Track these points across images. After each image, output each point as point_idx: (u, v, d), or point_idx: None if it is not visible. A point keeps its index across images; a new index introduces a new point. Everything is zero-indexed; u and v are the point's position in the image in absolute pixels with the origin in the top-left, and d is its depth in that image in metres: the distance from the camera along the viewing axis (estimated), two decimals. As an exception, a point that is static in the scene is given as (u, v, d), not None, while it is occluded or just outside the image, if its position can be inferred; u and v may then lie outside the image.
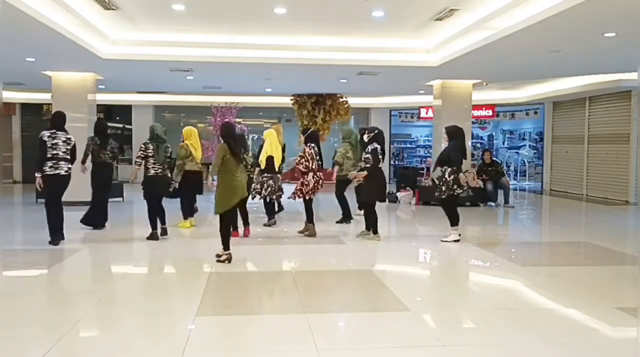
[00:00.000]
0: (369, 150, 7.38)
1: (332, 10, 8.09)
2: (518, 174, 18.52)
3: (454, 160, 7.33)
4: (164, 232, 7.50)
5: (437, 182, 7.64)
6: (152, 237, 7.37)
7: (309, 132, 8.07)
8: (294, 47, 9.94)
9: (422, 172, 15.54)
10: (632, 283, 5.38)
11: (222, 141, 6.21)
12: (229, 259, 6.07)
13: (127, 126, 18.40)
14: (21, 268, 6.16)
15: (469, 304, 4.90)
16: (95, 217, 8.19)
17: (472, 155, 13.64)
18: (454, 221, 7.46)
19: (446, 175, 7.30)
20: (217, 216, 6.18)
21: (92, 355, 3.64)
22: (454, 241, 7.39)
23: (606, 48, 8.50)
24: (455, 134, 7.49)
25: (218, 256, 6.13)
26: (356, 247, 7.29)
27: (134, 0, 7.80)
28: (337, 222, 8.97)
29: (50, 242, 6.92)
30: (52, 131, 6.89)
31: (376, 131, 7.58)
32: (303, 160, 7.62)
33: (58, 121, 7.04)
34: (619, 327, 4.21)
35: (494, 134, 19.76)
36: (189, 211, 8.54)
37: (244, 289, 5.33)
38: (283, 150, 8.89)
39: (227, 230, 6.13)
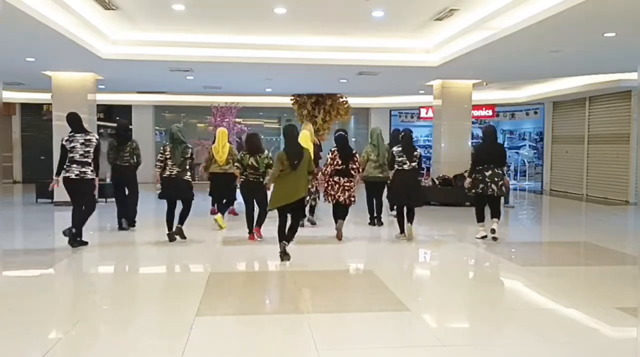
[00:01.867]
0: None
1: (332, 10, 8.09)
2: (518, 174, 18.50)
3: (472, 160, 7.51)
4: (179, 231, 7.22)
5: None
6: (168, 237, 7.17)
7: (335, 134, 7.80)
8: (294, 47, 9.94)
9: (422, 172, 15.49)
10: (632, 283, 5.38)
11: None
12: (281, 256, 6.09)
13: (127, 126, 18.38)
14: (21, 268, 6.16)
15: (469, 304, 4.90)
16: (121, 216, 8.12)
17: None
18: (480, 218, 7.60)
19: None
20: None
21: (92, 355, 3.63)
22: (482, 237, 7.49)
23: (606, 48, 8.50)
24: (482, 135, 7.63)
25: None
26: (356, 247, 7.29)
27: (134, 0, 7.80)
28: (369, 223, 8.80)
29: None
30: (70, 134, 6.82)
31: (394, 133, 7.63)
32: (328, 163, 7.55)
33: (71, 123, 6.92)
34: (619, 327, 4.21)
35: (494, 134, 19.72)
36: (220, 207, 8.57)
37: (244, 289, 5.34)
38: (319, 150, 8.49)
39: (279, 229, 6.22)
